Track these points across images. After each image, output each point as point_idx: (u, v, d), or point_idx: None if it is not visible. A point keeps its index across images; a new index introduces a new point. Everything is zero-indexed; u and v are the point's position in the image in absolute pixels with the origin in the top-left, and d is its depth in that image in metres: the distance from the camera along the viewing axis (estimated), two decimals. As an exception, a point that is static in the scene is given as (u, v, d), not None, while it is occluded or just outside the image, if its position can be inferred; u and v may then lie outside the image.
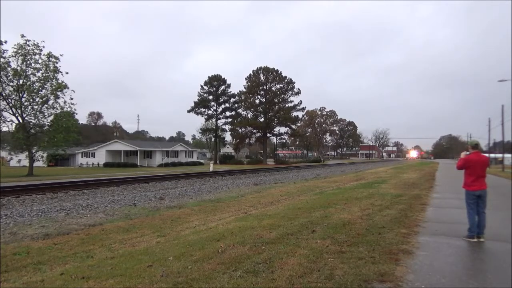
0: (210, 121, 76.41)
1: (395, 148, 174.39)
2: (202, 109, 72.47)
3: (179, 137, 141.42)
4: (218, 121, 74.46)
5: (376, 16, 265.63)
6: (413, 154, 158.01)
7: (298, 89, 70.88)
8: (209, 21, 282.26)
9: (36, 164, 38.20)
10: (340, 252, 5.55)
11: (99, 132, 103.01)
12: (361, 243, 6.13)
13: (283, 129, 73.56)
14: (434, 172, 32.52)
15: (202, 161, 71.37)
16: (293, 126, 74.17)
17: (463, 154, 7.16)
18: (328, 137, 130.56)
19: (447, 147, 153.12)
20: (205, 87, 72.70)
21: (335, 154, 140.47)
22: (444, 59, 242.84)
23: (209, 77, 72.65)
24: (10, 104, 35.87)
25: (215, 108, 73.40)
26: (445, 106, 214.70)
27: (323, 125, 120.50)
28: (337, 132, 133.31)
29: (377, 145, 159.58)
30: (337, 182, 21.24)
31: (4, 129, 38.59)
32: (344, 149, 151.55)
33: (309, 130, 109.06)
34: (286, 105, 70.88)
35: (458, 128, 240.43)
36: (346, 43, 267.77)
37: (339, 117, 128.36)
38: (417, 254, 5.61)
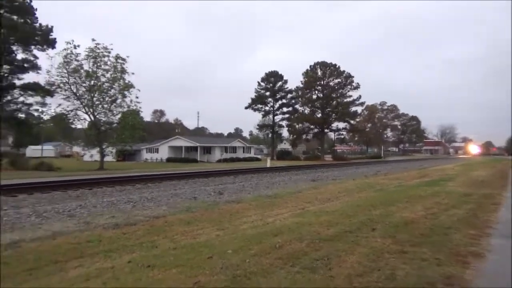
0: (267, 117, 76.78)
1: (463, 144, 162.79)
2: (259, 106, 73.09)
3: (237, 133, 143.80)
4: (275, 117, 74.73)
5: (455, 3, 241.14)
6: (473, 149, 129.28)
7: (357, 83, 68.66)
8: (273, 19, 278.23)
9: (106, 158, 40.96)
10: (402, 252, 5.34)
11: (162, 128, 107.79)
12: (425, 243, 5.84)
13: (341, 125, 71.90)
14: (508, 170, 29.96)
15: (259, 156, 72.12)
16: (352, 122, 72.23)
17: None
18: (389, 133, 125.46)
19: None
20: (262, 84, 73.24)
21: (397, 150, 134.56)
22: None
23: (266, 73, 73.08)
24: (83, 104, 38.82)
25: (272, 104, 73.67)
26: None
27: (384, 120, 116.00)
28: (399, 127, 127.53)
29: (443, 141, 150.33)
30: (399, 179, 20.35)
31: (79, 126, 41.97)
32: (407, 145, 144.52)
33: (369, 125, 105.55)
34: (345, 100, 69.13)
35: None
36: (417, 34, 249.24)
37: (401, 112, 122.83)
38: (488, 258, 5.22)
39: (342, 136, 79.43)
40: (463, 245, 5.81)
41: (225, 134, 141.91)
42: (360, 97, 69.04)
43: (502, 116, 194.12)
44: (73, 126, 43.27)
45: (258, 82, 73.31)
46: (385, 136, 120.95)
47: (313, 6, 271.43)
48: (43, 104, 37.87)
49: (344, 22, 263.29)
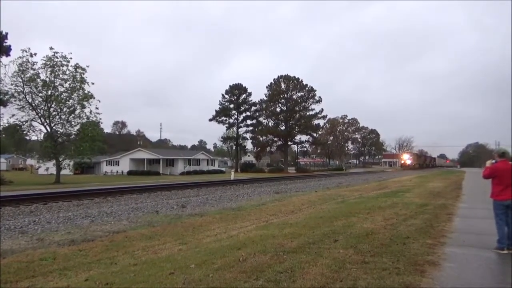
0: (231, 129, 76.97)
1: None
2: (223, 118, 73.14)
3: (200, 146, 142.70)
4: (239, 130, 74.98)
5: (424, 20, 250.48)
6: (406, 159, 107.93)
7: (319, 97, 70.56)
8: (247, 33, 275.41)
9: (63, 172, 39.29)
10: (363, 262, 5.45)
11: (123, 140, 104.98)
12: (385, 253, 6.00)
13: (304, 137, 73.40)
14: (461, 181, 31.59)
15: (223, 169, 71.78)
16: (314, 134, 73.79)
17: (488, 163, 6.96)
18: (350, 145, 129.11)
19: (474, 156, 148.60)
20: (226, 96, 73.47)
21: (357, 163, 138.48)
22: (482, 67, 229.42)
23: (230, 86, 73.46)
24: (39, 114, 37.22)
25: (236, 116, 73.94)
26: (474, 114, 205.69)
27: (345, 133, 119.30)
28: (359, 140, 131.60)
29: (401, 153, 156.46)
30: (359, 191, 20.90)
31: (33, 138, 40.08)
32: (367, 157, 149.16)
33: (331, 138, 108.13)
34: (307, 113, 70.63)
35: (486, 136, 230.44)
36: (390, 50, 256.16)
37: (361, 125, 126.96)
38: (443, 266, 5.44)
39: (305, 149, 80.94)
40: (421, 254, 6.03)
41: (189, 147, 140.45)
42: (322, 110, 70.92)
43: (458, 129, 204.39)
44: (27, 137, 41.35)
45: (222, 95, 73.60)
46: (346, 148, 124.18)
47: (287, 22, 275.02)
48: (-5, 114, 35.98)
49: (316, 38, 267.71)
